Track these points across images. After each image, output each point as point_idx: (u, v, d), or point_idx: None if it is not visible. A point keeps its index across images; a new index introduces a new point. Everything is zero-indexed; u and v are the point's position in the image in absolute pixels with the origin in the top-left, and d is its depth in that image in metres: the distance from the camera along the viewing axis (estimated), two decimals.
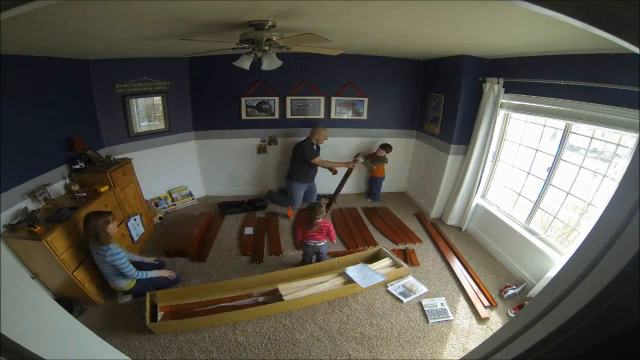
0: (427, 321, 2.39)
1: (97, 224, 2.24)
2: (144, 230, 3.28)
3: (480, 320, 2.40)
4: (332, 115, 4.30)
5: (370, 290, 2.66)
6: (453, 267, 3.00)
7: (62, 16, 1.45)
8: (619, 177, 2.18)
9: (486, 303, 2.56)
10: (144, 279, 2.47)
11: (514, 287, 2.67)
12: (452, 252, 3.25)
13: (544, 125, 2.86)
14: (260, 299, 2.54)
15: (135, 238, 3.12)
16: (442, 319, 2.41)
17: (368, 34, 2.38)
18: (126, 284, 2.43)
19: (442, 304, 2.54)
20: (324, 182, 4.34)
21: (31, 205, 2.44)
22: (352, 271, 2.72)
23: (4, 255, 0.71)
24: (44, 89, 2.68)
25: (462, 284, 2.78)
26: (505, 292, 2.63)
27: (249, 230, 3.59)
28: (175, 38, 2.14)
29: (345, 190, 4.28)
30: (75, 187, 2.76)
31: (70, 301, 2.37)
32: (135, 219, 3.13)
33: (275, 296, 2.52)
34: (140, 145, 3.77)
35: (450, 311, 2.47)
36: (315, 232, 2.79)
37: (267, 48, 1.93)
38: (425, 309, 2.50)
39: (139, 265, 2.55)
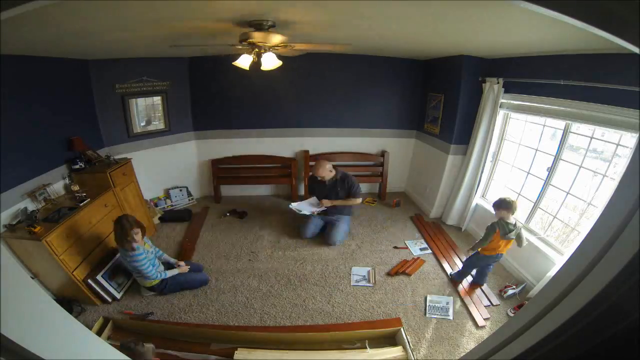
0: (425, 314, 2.43)
1: (120, 229, 2.34)
2: None
3: (480, 320, 2.40)
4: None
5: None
6: (453, 267, 3.00)
7: (62, 16, 1.45)
8: (618, 177, 2.18)
9: (486, 303, 2.56)
10: (168, 279, 2.56)
11: (514, 287, 2.67)
12: (453, 252, 3.26)
13: (544, 125, 2.86)
14: (213, 358, 2.03)
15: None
16: (440, 316, 2.43)
17: (368, 34, 2.38)
18: (149, 282, 2.51)
19: (447, 303, 2.56)
20: None
21: (31, 205, 2.44)
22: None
23: (4, 255, 0.71)
24: (44, 89, 2.68)
25: (462, 284, 2.78)
26: (505, 292, 2.63)
27: None
28: (175, 38, 2.14)
29: None
30: (75, 187, 2.76)
31: (70, 301, 2.37)
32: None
33: None
34: (140, 145, 3.77)
35: (452, 311, 2.49)
36: None
37: (266, 48, 1.93)
38: (429, 304, 2.54)
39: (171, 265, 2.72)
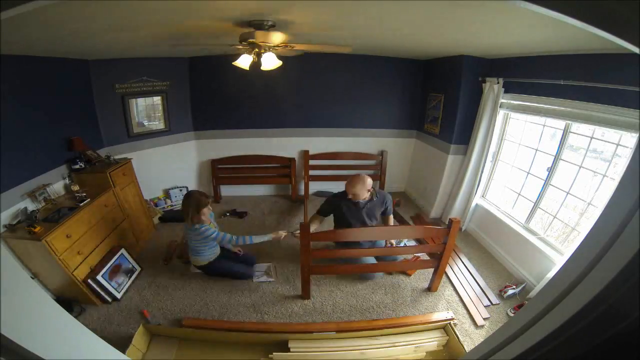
0: None
1: (190, 206, 2.44)
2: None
3: (480, 320, 2.40)
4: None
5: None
6: (453, 267, 3.01)
7: (62, 16, 1.45)
8: (618, 177, 2.18)
9: (486, 303, 2.56)
10: (224, 260, 2.77)
11: (514, 287, 2.67)
12: (452, 252, 3.25)
13: (544, 125, 2.86)
14: None
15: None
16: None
17: (368, 34, 2.38)
18: (202, 260, 2.68)
19: None
20: None
21: (31, 205, 2.44)
22: None
23: (4, 255, 0.71)
24: (44, 89, 2.68)
25: (462, 284, 2.78)
26: (505, 292, 2.63)
27: None
28: (175, 38, 2.14)
29: None
30: (75, 187, 2.76)
31: (70, 301, 2.37)
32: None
33: None
34: (140, 145, 3.77)
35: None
36: None
37: (267, 48, 1.93)
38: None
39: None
